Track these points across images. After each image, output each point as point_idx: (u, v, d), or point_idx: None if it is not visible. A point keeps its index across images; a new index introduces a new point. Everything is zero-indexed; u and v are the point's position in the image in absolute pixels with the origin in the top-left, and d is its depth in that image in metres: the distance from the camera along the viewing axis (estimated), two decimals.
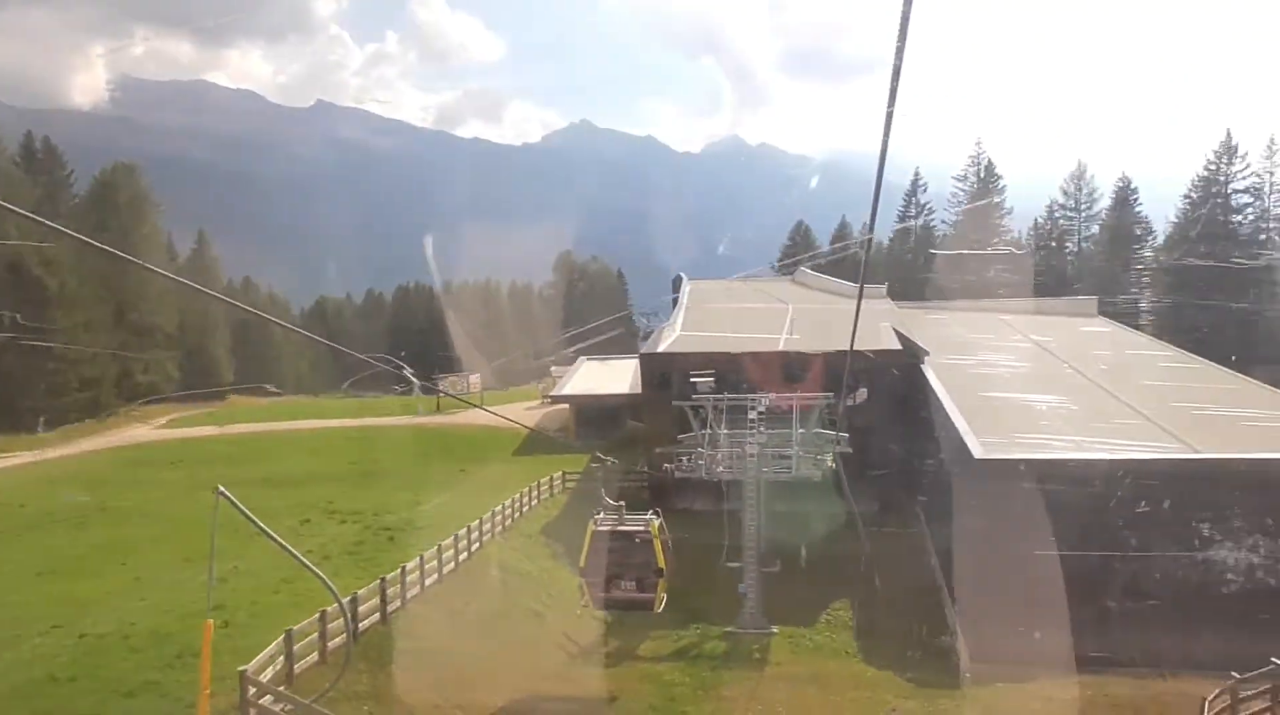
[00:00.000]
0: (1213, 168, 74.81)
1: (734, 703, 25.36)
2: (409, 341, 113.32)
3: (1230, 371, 46.39)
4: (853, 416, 41.51)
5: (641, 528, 26.78)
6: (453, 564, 30.46)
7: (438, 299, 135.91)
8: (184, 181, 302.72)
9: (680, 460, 34.64)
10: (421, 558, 28.40)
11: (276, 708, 18.32)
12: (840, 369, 38.59)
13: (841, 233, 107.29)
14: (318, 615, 21.21)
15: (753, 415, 34.29)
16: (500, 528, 35.96)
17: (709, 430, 35.07)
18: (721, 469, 34.71)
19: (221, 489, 13.98)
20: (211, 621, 15.57)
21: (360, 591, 24.60)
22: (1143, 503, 28.11)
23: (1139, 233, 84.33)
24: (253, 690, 18.06)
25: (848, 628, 32.77)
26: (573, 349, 76.83)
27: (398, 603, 26.53)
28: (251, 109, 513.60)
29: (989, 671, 27.03)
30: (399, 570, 26.83)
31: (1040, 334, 56.36)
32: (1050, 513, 28.59)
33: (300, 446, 60.37)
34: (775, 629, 32.38)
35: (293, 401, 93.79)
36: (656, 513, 27.47)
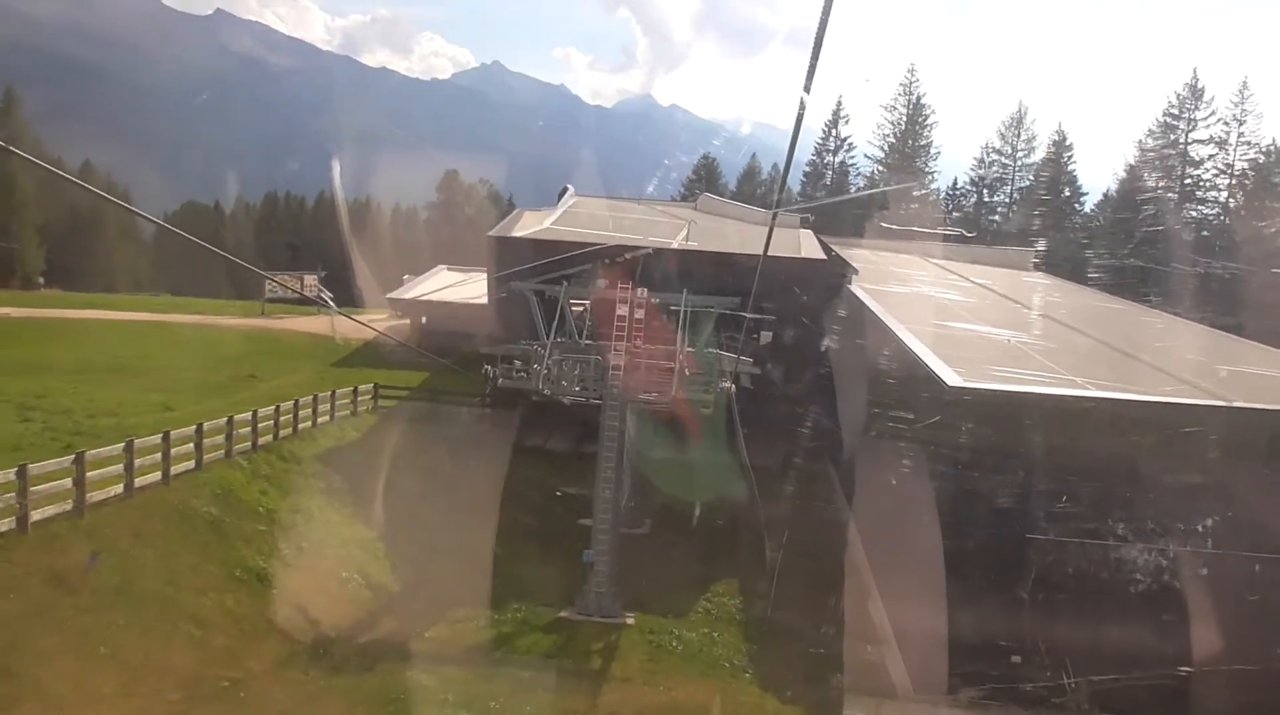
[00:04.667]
0: (1174, 112, 66.90)
1: None
2: (277, 253, 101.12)
3: (1218, 330, 37.86)
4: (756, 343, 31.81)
5: None
6: (120, 488, 19.17)
7: (308, 212, 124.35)
8: (60, 77, 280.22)
9: (510, 365, 24.11)
10: (21, 470, 16.75)
11: None
12: (747, 284, 28.47)
13: (751, 171, 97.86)
14: None
15: (622, 311, 24.00)
16: (250, 445, 24.78)
17: (557, 337, 24.91)
18: (579, 388, 24.47)
19: None
20: None
21: None
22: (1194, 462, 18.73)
23: (1068, 192, 76.35)
24: None
25: (734, 622, 22.97)
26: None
27: None
28: (143, 10, 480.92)
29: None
30: None
31: (978, 278, 47.27)
32: (1057, 471, 19.11)
33: (71, 335, 47.95)
34: (630, 618, 22.41)
35: (119, 298, 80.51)
36: None
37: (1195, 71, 67.06)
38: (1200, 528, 19.09)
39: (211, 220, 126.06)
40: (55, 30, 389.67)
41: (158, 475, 20.47)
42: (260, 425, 25.43)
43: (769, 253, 30.94)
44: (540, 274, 30.03)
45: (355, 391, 32.67)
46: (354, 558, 23.24)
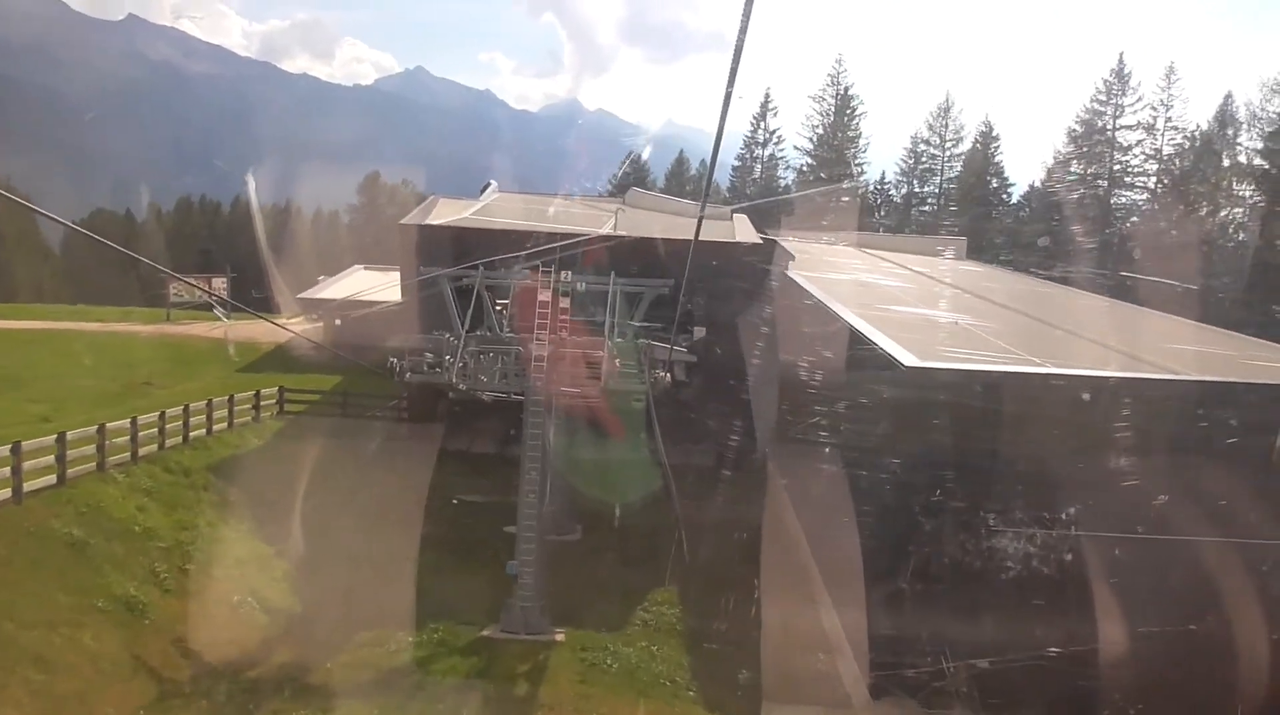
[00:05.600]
0: (1101, 98, 66.60)
1: None
2: (191, 260, 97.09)
3: (1164, 313, 36.78)
4: (691, 325, 29.96)
5: None
6: None
7: (223, 217, 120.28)
8: None
9: (419, 357, 21.78)
10: None
11: None
12: (679, 270, 26.45)
13: (679, 166, 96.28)
14: None
15: (545, 298, 21.87)
16: (130, 456, 22.11)
17: (477, 329, 22.73)
18: (500, 380, 22.24)
19: None
20: None
21: None
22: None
23: (995, 183, 75.89)
24: None
25: (675, 634, 20.96)
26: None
27: None
28: (52, 16, 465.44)
29: None
30: None
31: (914, 266, 45.94)
32: (1022, 457, 17.39)
33: None
34: (560, 634, 20.30)
35: (11, 306, 75.85)
36: None
37: (1121, 57, 66.50)
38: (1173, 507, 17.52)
39: (122, 228, 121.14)
40: None
41: (8, 492, 17.81)
42: (142, 433, 22.78)
43: (701, 238, 29.19)
44: (457, 262, 27.77)
45: (257, 396, 30.08)
46: (248, 578, 20.77)
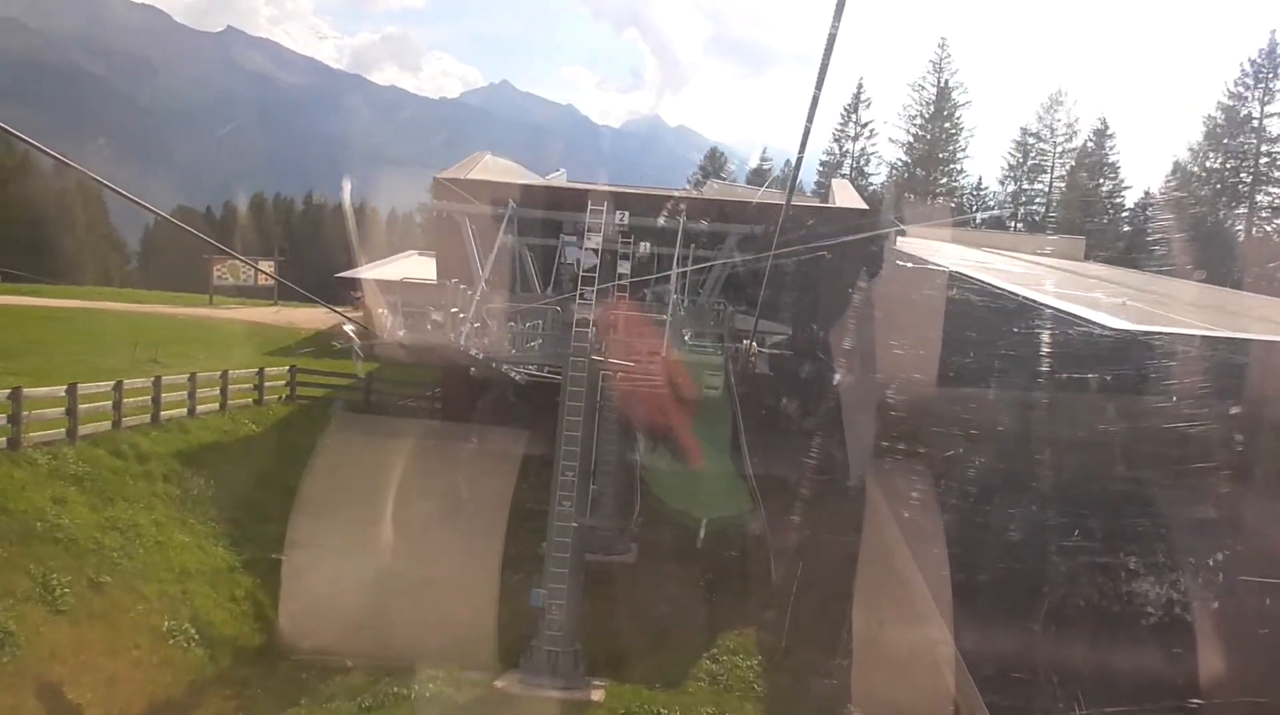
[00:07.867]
0: (1246, 81, 58.99)
1: None
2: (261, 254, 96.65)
3: None
4: (775, 309, 24.58)
5: None
6: None
7: (296, 214, 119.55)
8: (68, 92, 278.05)
9: (418, 310, 16.55)
10: None
11: None
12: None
13: (763, 165, 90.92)
14: None
15: (591, 245, 16.72)
16: (65, 432, 17.37)
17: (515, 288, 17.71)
18: (536, 347, 17.22)
19: None
20: None
21: None
22: None
23: (1108, 186, 68.79)
24: None
25: (751, 695, 15.66)
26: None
27: None
28: (154, 27, 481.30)
29: None
30: None
31: (1038, 260, 39.91)
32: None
33: None
34: (598, 689, 15.07)
35: (49, 287, 73.99)
36: None
37: (1274, 34, 58.51)
38: None
39: (199, 222, 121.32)
40: (65, 45, 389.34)
41: None
42: (85, 406, 18.00)
43: (795, 203, 23.78)
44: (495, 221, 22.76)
45: (261, 375, 25.37)
46: (193, 597, 15.86)
